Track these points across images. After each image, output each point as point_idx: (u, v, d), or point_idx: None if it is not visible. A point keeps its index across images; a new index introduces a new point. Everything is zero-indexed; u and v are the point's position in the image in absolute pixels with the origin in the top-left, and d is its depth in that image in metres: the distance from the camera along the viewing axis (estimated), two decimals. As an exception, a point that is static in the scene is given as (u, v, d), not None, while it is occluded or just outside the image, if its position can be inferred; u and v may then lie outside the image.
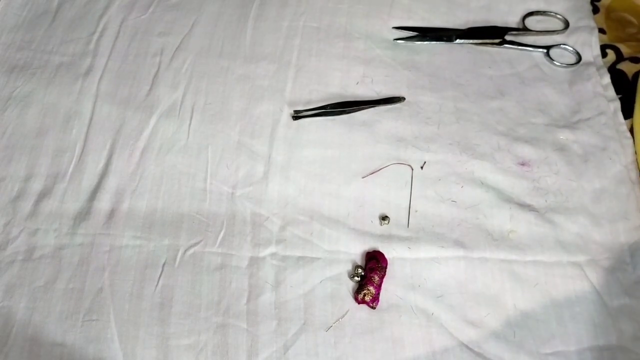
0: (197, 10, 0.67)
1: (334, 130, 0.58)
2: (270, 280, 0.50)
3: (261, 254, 0.51)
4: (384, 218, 0.53)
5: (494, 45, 0.65)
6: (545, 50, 0.65)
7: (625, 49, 0.65)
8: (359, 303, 0.48)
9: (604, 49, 0.65)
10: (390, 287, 0.49)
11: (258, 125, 0.58)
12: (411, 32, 0.66)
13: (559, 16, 0.68)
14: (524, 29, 0.67)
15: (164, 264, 0.50)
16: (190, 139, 0.57)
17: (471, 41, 0.65)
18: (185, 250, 0.51)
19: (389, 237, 0.52)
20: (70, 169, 0.55)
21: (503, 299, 0.49)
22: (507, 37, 0.66)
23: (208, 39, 0.65)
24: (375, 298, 0.48)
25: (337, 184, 0.55)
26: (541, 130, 0.59)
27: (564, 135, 0.58)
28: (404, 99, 0.60)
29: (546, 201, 0.54)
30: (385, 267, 0.50)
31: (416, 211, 0.54)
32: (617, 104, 0.60)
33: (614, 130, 0.59)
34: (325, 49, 0.64)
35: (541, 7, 0.69)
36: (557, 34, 0.67)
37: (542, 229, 0.53)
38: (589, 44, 0.66)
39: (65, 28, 0.66)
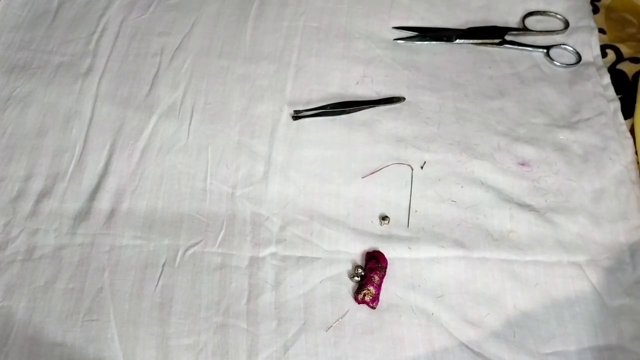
0: (197, 10, 0.67)
1: (334, 130, 0.58)
2: (270, 280, 0.50)
3: (261, 254, 0.51)
4: (384, 218, 0.53)
5: (494, 45, 0.65)
6: (545, 50, 0.65)
7: (625, 49, 0.65)
8: (359, 303, 0.48)
9: (604, 49, 0.65)
10: (390, 287, 0.49)
11: (258, 125, 0.58)
12: (411, 32, 0.66)
13: (559, 16, 0.68)
14: (524, 29, 0.67)
15: (164, 264, 0.50)
16: (190, 139, 0.57)
17: (471, 41, 0.65)
18: (185, 250, 0.51)
19: (389, 237, 0.52)
20: (70, 169, 0.55)
21: (503, 299, 0.49)
22: (507, 37, 0.66)
23: (208, 39, 0.65)
24: (375, 298, 0.48)
25: (337, 184, 0.55)
26: (541, 130, 0.59)
27: (564, 135, 0.58)
28: (404, 99, 0.60)
29: (546, 201, 0.54)
30: (385, 267, 0.50)
31: (416, 211, 0.54)
32: (617, 104, 0.60)
33: (614, 130, 0.59)
34: (325, 49, 0.64)
35: (541, 7, 0.69)
36: (557, 34, 0.67)
37: (542, 229, 0.53)
38: (589, 44, 0.66)
39: (65, 28, 0.66)
